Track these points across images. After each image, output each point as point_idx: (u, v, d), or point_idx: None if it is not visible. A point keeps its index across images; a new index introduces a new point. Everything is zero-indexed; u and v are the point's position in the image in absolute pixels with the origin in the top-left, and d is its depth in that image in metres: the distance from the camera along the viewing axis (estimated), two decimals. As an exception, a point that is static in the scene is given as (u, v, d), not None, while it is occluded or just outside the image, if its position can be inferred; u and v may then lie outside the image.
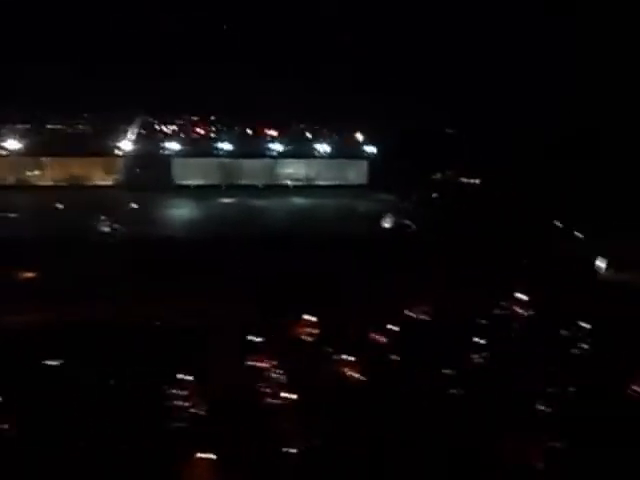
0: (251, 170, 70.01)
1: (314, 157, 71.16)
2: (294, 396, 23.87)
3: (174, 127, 68.16)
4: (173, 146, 67.30)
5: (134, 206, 55.91)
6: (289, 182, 70.09)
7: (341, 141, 71.63)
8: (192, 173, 68.06)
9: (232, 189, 67.67)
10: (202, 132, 69.32)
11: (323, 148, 70.53)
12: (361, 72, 71.39)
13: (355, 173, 72.13)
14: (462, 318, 31.61)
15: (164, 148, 67.26)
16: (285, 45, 71.23)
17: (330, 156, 71.18)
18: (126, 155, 66.73)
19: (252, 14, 69.74)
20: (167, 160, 67.17)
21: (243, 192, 66.09)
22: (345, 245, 43.29)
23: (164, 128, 68.11)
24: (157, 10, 65.79)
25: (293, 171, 71.13)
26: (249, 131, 70.69)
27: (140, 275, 35.43)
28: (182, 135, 68.07)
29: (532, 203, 53.00)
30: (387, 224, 50.79)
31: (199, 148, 68.35)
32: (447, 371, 26.26)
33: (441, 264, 40.12)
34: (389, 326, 29.81)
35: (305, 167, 71.41)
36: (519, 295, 35.19)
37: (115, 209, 53.11)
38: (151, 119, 67.65)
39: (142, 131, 67.32)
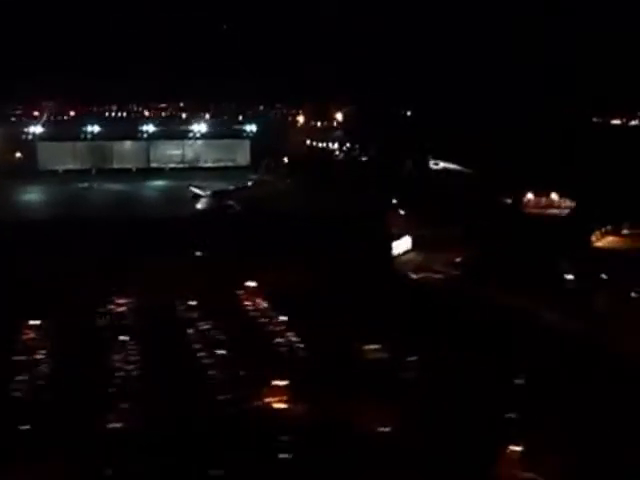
0: (123, 153, 66.68)
1: (191, 138, 67.45)
2: None
3: (39, 109, 64.89)
4: (37, 129, 64.19)
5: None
6: (166, 165, 66.74)
7: (221, 120, 67.87)
8: (59, 157, 64.95)
9: (103, 173, 64.65)
10: (70, 114, 66.03)
11: (201, 128, 66.78)
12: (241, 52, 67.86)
13: (237, 154, 68.09)
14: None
15: (27, 132, 64.13)
16: (158, 26, 67.91)
17: (208, 136, 67.43)
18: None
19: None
20: (31, 144, 64.27)
21: (111, 177, 62.90)
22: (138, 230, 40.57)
23: (28, 110, 64.91)
24: None
25: (170, 153, 67.56)
26: (122, 112, 67.28)
27: None
28: (48, 118, 64.81)
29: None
30: (201, 206, 47.50)
31: (67, 131, 65.15)
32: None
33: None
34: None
35: (182, 149, 67.81)
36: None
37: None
38: (14, 102, 64.55)
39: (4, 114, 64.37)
